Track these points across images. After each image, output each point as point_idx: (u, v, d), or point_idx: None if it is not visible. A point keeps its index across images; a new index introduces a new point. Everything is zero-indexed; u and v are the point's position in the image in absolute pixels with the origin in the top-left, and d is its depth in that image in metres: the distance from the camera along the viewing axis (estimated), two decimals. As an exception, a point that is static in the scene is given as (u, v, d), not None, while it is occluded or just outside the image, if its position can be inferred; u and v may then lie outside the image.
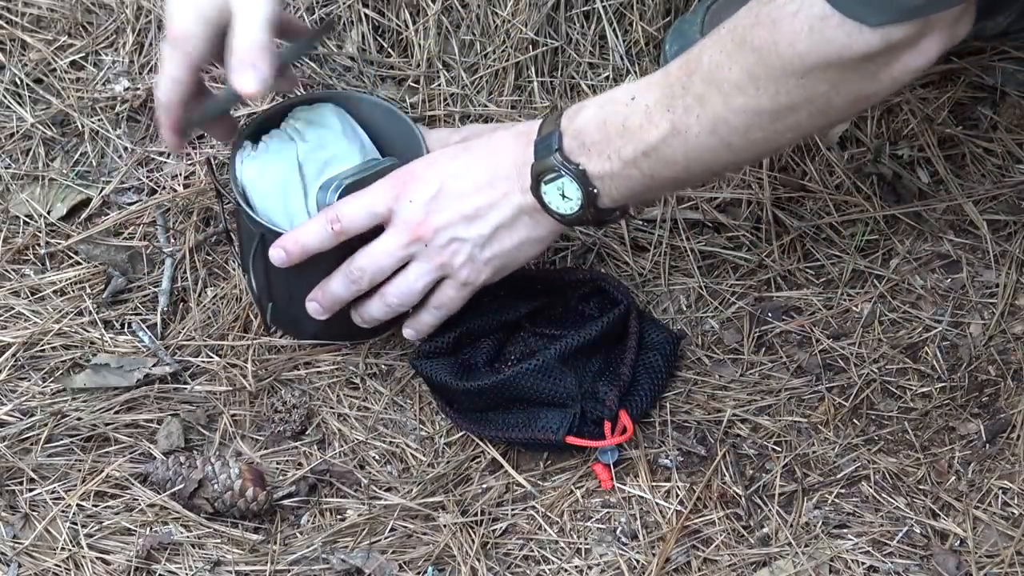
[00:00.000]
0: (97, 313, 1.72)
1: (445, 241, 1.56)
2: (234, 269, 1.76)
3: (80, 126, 1.85)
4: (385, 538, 1.58)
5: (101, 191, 1.81)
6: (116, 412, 1.65)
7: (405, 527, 1.59)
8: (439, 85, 1.86)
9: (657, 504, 1.61)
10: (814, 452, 1.65)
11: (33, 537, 1.57)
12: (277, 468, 1.63)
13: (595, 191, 1.52)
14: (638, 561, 1.57)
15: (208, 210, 1.79)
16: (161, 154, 1.84)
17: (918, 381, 1.70)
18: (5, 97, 1.86)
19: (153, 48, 1.87)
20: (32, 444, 1.63)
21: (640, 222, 1.80)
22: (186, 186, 1.81)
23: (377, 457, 1.64)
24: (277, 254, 1.58)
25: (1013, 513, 1.61)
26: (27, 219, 1.79)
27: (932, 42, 1.38)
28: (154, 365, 1.68)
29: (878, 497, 1.62)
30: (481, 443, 1.65)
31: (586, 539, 1.59)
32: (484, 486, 1.62)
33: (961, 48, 1.82)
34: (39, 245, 1.78)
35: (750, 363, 1.72)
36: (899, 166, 1.85)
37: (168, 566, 1.55)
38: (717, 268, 1.78)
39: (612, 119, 1.50)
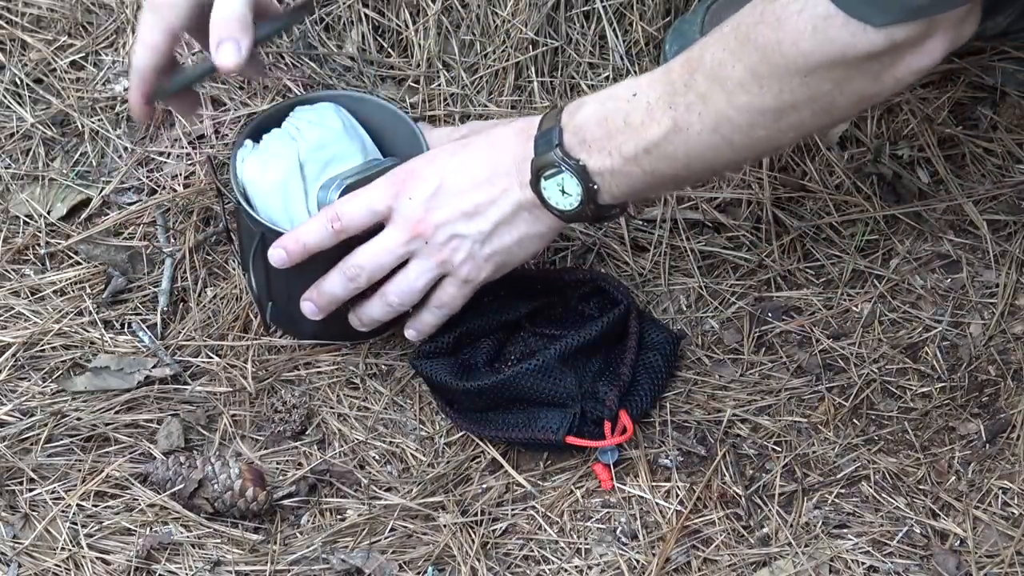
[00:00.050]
0: (97, 313, 1.72)
1: (445, 238, 1.56)
2: (234, 269, 1.76)
3: (80, 126, 1.85)
4: (385, 538, 1.58)
5: (101, 191, 1.81)
6: (116, 412, 1.65)
7: (405, 527, 1.59)
8: (439, 85, 1.86)
9: (657, 504, 1.61)
10: (814, 452, 1.65)
11: (33, 537, 1.57)
12: (277, 468, 1.63)
13: (595, 187, 1.51)
14: (638, 561, 1.57)
15: (208, 210, 1.79)
16: (161, 154, 1.84)
17: (918, 381, 1.70)
18: (5, 97, 1.86)
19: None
20: (32, 444, 1.63)
21: (640, 222, 1.80)
22: (186, 186, 1.81)
23: (377, 457, 1.64)
24: (277, 254, 1.58)
25: (1013, 513, 1.61)
26: (27, 219, 1.79)
27: (937, 43, 1.38)
28: (154, 367, 1.68)
29: (878, 497, 1.62)
30: (481, 443, 1.65)
31: (586, 539, 1.59)
32: (484, 486, 1.62)
33: (961, 48, 1.82)
34: (39, 245, 1.78)
35: (750, 363, 1.72)
36: (899, 166, 1.85)
37: (168, 566, 1.55)
38: (717, 268, 1.78)
39: (613, 115, 1.50)
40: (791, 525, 1.60)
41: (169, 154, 1.83)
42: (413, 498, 1.60)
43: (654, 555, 1.57)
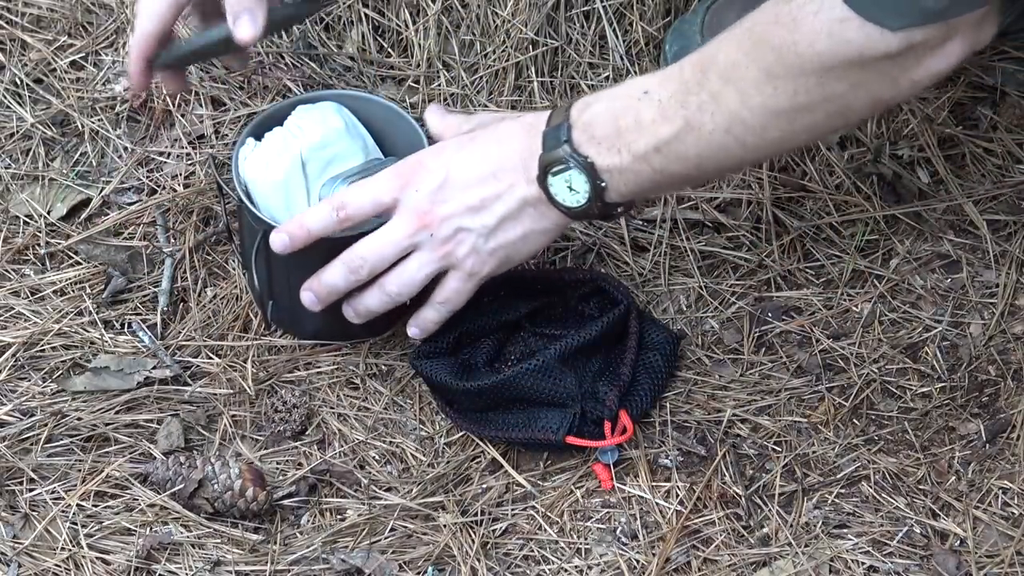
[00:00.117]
0: (97, 313, 1.72)
1: (451, 231, 1.56)
2: (234, 269, 1.76)
3: (80, 126, 1.85)
4: (385, 538, 1.58)
5: (101, 191, 1.81)
6: (116, 412, 1.65)
7: (405, 527, 1.59)
8: (439, 85, 1.86)
9: (657, 504, 1.61)
10: (814, 452, 1.65)
11: (33, 537, 1.57)
12: (277, 468, 1.63)
13: (603, 185, 1.51)
14: (638, 561, 1.57)
15: (208, 210, 1.79)
16: (161, 154, 1.84)
17: (918, 381, 1.70)
18: (5, 97, 1.86)
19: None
20: (32, 444, 1.63)
21: (640, 222, 1.80)
22: (186, 186, 1.81)
23: (377, 457, 1.64)
24: (279, 239, 1.57)
25: (1013, 513, 1.61)
26: (27, 219, 1.79)
27: (955, 46, 1.37)
28: (154, 367, 1.68)
29: (878, 497, 1.62)
30: (481, 443, 1.65)
31: (586, 539, 1.59)
32: (484, 486, 1.62)
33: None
34: (39, 245, 1.78)
35: (750, 363, 1.72)
36: (899, 166, 1.85)
37: (168, 566, 1.55)
38: (717, 268, 1.78)
39: (624, 113, 1.49)
40: (791, 525, 1.60)
41: (169, 154, 1.84)
42: (413, 498, 1.60)
43: (654, 555, 1.57)
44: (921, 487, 1.63)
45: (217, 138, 1.84)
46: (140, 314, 1.73)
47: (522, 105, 1.86)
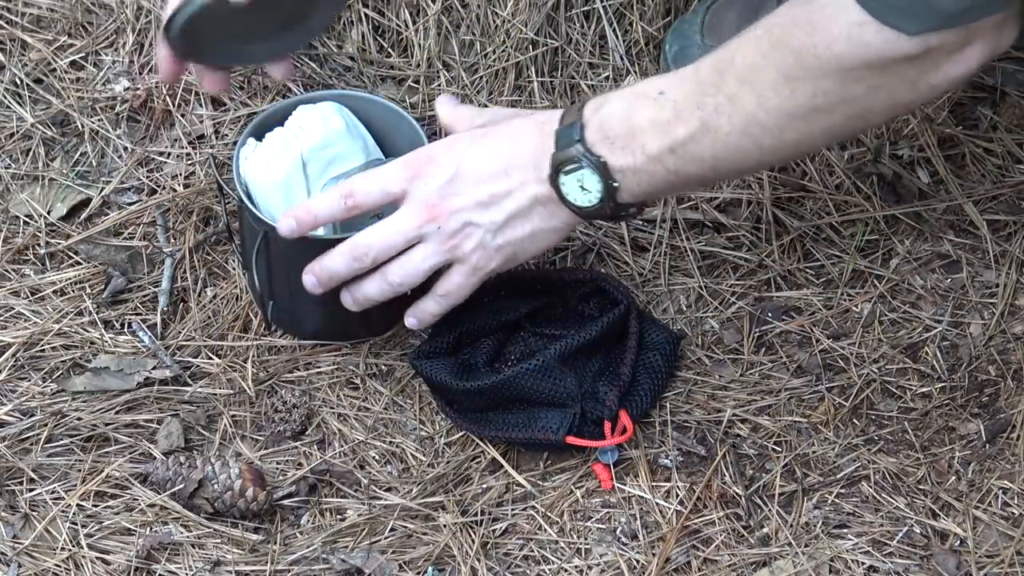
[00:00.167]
0: (97, 313, 1.72)
1: (459, 225, 1.55)
2: (234, 269, 1.76)
3: (80, 126, 1.85)
4: (385, 538, 1.58)
5: (101, 191, 1.81)
6: (116, 412, 1.65)
7: (405, 527, 1.59)
8: (439, 85, 1.86)
9: (657, 504, 1.61)
10: (814, 452, 1.65)
11: (33, 537, 1.57)
12: (277, 468, 1.63)
13: (616, 185, 1.50)
14: (638, 561, 1.57)
15: (208, 210, 1.79)
16: (161, 154, 1.84)
17: (918, 381, 1.70)
18: (5, 97, 1.86)
19: (153, 48, 1.87)
20: (32, 444, 1.63)
21: (640, 222, 1.80)
22: (186, 186, 1.81)
23: (377, 457, 1.64)
24: (287, 223, 1.57)
25: (1013, 513, 1.61)
26: (27, 219, 1.79)
27: (975, 50, 1.36)
28: (154, 367, 1.68)
29: (878, 497, 1.62)
30: (481, 443, 1.65)
31: (586, 539, 1.59)
32: (484, 486, 1.62)
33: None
34: (39, 245, 1.78)
35: (750, 363, 1.72)
36: (899, 166, 1.85)
37: (168, 566, 1.55)
38: (717, 268, 1.78)
39: (638, 113, 1.48)
40: (791, 525, 1.60)
41: (169, 154, 1.84)
42: (413, 498, 1.60)
43: (654, 555, 1.57)
44: (921, 487, 1.63)
45: (217, 138, 1.84)
46: (140, 314, 1.73)
47: (522, 105, 1.86)
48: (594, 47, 1.89)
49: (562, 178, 1.52)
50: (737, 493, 1.61)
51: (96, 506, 1.59)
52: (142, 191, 1.82)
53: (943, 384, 1.70)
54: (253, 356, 1.69)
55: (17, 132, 1.85)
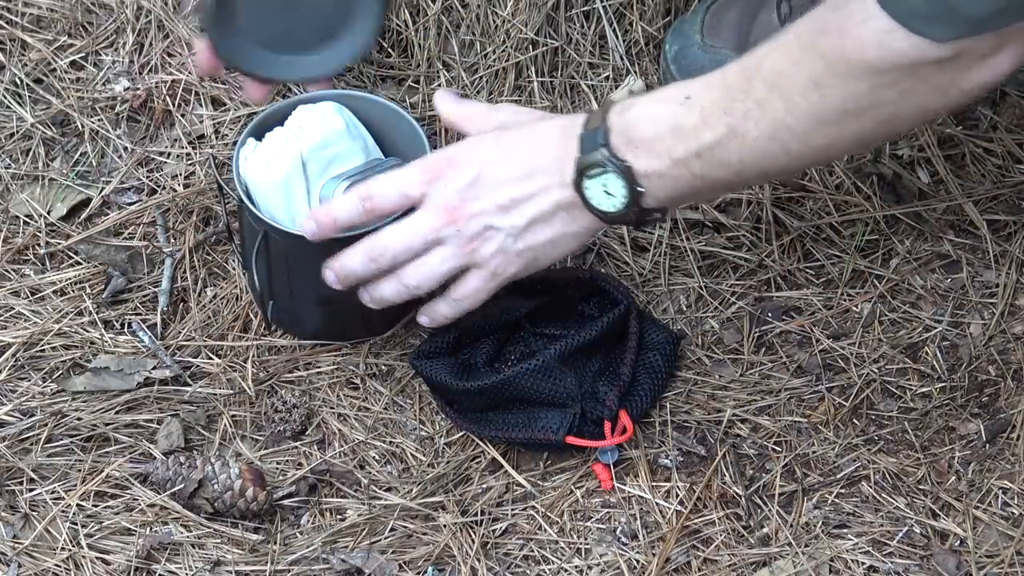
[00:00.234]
0: (97, 313, 1.72)
1: (479, 228, 1.54)
2: (234, 269, 1.76)
3: (80, 126, 1.85)
4: (385, 538, 1.58)
5: (101, 191, 1.81)
6: (116, 412, 1.65)
7: (405, 527, 1.59)
8: (439, 85, 1.86)
9: (657, 504, 1.61)
10: (814, 452, 1.65)
11: (33, 537, 1.57)
12: (277, 468, 1.63)
13: (641, 189, 1.49)
14: (638, 561, 1.57)
15: (208, 210, 1.79)
16: (161, 154, 1.84)
17: (918, 381, 1.70)
18: (5, 97, 1.86)
19: (153, 48, 1.87)
20: (32, 444, 1.63)
21: (640, 222, 1.80)
22: (186, 186, 1.81)
23: (377, 457, 1.64)
24: (309, 226, 1.56)
25: (1013, 513, 1.61)
26: (27, 219, 1.79)
27: (1006, 56, 1.35)
28: (154, 367, 1.68)
29: (878, 497, 1.62)
30: (481, 443, 1.65)
31: (586, 539, 1.59)
32: (484, 486, 1.62)
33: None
34: (39, 245, 1.78)
35: (750, 363, 1.72)
36: (899, 166, 1.85)
37: (168, 566, 1.55)
38: (717, 268, 1.78)
39: (664, 117, 1.47)
40: (791, 525, 1.60)
41: (169, 154, 1.84)
42: (413, 498, 1.60)
43: (654, 555, 1.57)
44: (921, 487, 1.63)
45: (217, 138, 1.84)
46: (140, 314, 1.73)
47: (522, 105, 1.86)
48: (594, 47, 1.89)
49: (586, 182, 1.50)
50: (737, 493, 1.61)
51: (96, 506, 1.59)
52: (142, 191, 1.82)
53: (943, 384, 1.70)
54: (253, 356, 1.69)
55: (17, 132, 1.85)
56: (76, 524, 1.57)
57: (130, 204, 1.81)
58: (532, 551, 1.58)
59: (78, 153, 1.84)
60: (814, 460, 1.65)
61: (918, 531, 1.60)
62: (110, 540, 1.57)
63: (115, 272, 1.75)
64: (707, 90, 1.47)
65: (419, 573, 1.56)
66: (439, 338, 1.66)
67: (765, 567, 1.57)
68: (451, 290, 1.59)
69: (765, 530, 1.60)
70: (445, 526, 1.59)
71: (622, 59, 1.88)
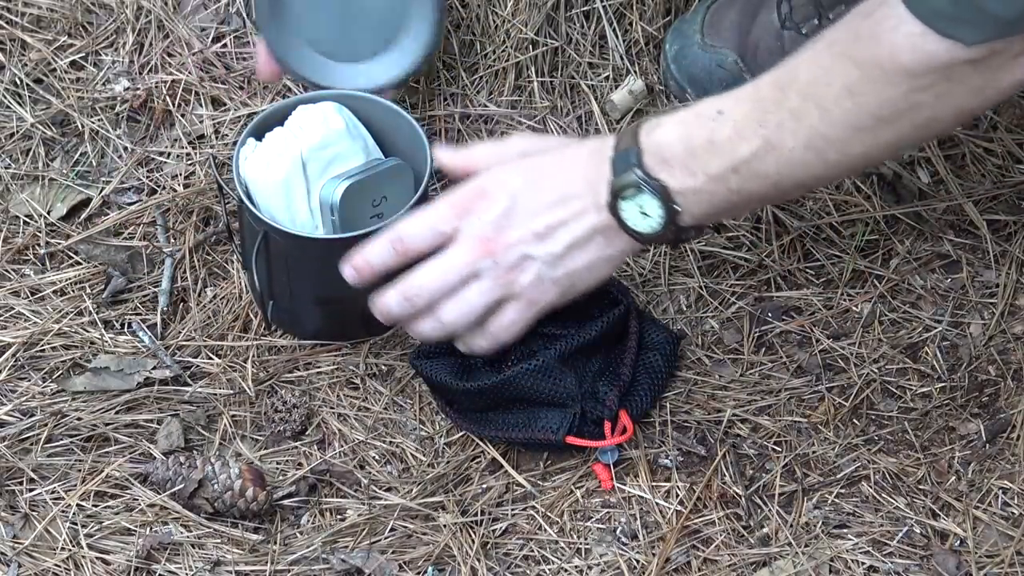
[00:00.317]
0: (97, 313, 1.72)
1: (516, 259, 1.52)
2: (234, 269, 1.76)
3: (80, 126, 1.85)
4: (385, 538, 1.58)
5: (101, 191, 1.81)
6: (116, 412, 1.65)
7: (405, 527, 1.59)
8: (439, 85, 1.86)
9: (657, 504, 1.61)
10: (814, 452, 1.65)
11: (33, 537, 1.57)
12: (277, 468, 1.63)
13: (677, 208, 1.47)
14: (638, 561, 1.57)
15: (208, 210, 1.79)
16: (161, 154, 1.84)
17: (918, 381, 1.71)
18: (5, 97, 1.86)
19: (153, 48, 1.87)
20: (32, 444, 1.63)
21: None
22: (186, 186, 1.81)
23: (377, 457, 1.64)
24: (348, 272, 1.55)
25: (1013, 513, 1.61)
26: (27, 219, 1.79)
27: None
28: (154, 367, 1.68)
29: (878, 497, 1.62)
30: (481, 443, 1.65)
31: (586, 539, 1.59)
32: (484, 486, 1.62)
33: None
34: (39, 245, 1.78)
35: (750, 363, 1.72)
36: (899, 166, 1.85)
37: (168, 566, 1.55)
38: (717, 268, 1.78)
39: (696, 133, 1.46)
40: (791, 525, 1.60)
41: (169, 154, 1.84)
42: (413, 498, 1.60)
43: (654, 555, 1.57)
44: (921, 487, 1.63)
45: (217, 138, 1.84)
46: (140, 314, 1.73)
47: (522, 105, 1.86)
48: (594, 47, 1.89)
49: (621, 204, 1.49)
50: (737, 493, 1.61)
51: (96, 506, 1.59)
52: (142, 191, 1.82)
53: (943, 384, 1.70)
54: (253, 356, 1.69)
55: (17, 132, 1.85)
56: (76, 524, 1.57)
57: (130, 204, 1.81)
58: (532, 551, 1.58)
59: (78, 153, 1.84)
60: (814, 460, 1.65)
61: (918, 531, 1.60)
62: (110, 540, 1.57)
63: (115, 272, 1.75)
64: (739, 104, 1.46)
65: (419, 573, 1.56)
66: (439, 338, 1.66)
67: (765, 567, 1.57)
68: (488, 323, 1.57)
69: (765, 530, 1.60)
70: (445, 526, 1.59)
71: (622, 59, 1.89)
